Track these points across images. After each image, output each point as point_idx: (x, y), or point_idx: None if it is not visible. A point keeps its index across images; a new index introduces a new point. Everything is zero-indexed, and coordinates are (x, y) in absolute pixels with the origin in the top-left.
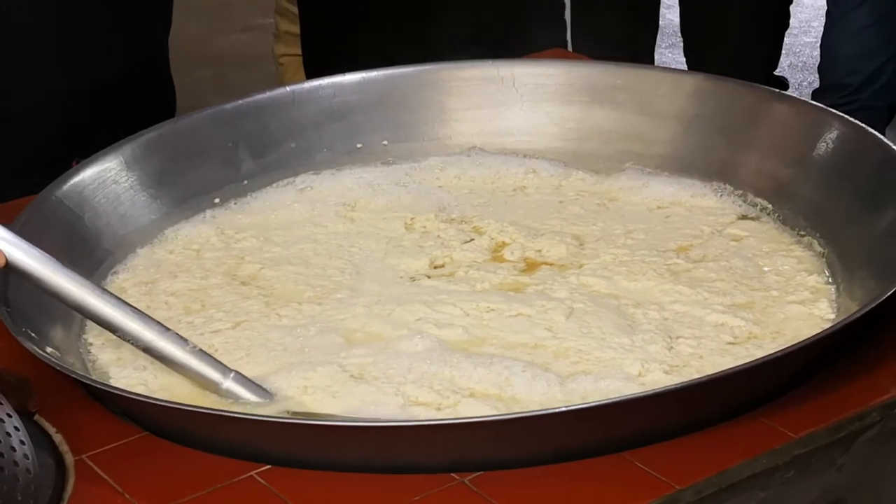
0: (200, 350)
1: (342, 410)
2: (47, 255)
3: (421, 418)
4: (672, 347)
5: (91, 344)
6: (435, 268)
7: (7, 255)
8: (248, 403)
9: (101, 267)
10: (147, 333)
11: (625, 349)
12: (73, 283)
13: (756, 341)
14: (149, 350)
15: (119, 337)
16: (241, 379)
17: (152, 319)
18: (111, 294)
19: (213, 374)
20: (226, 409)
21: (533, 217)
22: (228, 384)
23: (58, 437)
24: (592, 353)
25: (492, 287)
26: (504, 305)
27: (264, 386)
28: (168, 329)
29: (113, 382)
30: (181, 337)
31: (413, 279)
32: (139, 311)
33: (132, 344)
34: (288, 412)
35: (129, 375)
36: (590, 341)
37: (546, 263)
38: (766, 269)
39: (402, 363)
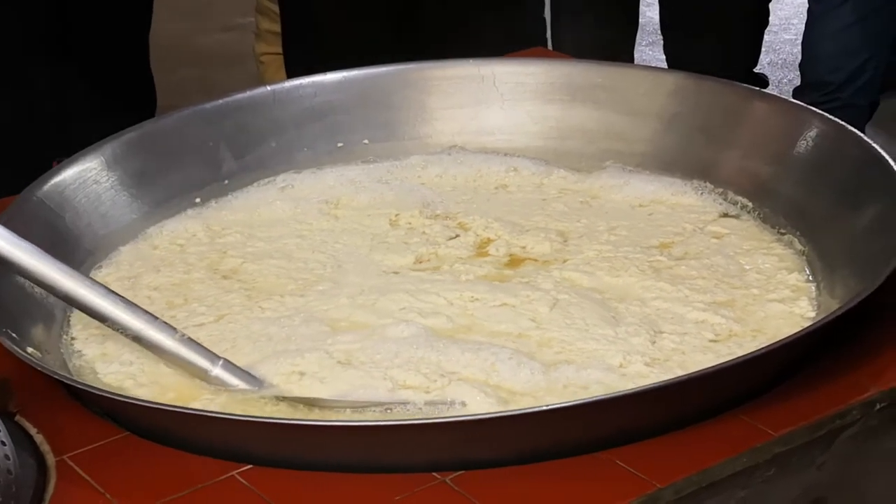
0: (189, 338)
1: (331, 395)
2: (35, 247)
3: (410, 401)
4: (655, 341)
5: (75, 339)
6: (419, 263)
7: None
8: (237, 390)
9: (82, 267)
10: (136, 323)
11: (608, 340)
12: (62, 274)
13: (737, 339)
14: (138, 339)
15: (108, 326)
16: (230, 366)
17: (141, 309)
18: (100, 284)
19: (201, 361)
20: (206, 409)
21: (517, 214)
22: (217, 371)
23: (39, 438)
24: (575, 344)
25: (476, 279)
26: (488, 295)
27: (253, 373)
28: (156, 318)
29: (101, 377)
30: (170, 326)
31: (396, 273)
32: (128, 300)
33: (121, 333)
34: (277, 398)
35: (116, 371)
36: (573, 332)
37: (531, 259)
38: (746, 267)
39: (388, 348)
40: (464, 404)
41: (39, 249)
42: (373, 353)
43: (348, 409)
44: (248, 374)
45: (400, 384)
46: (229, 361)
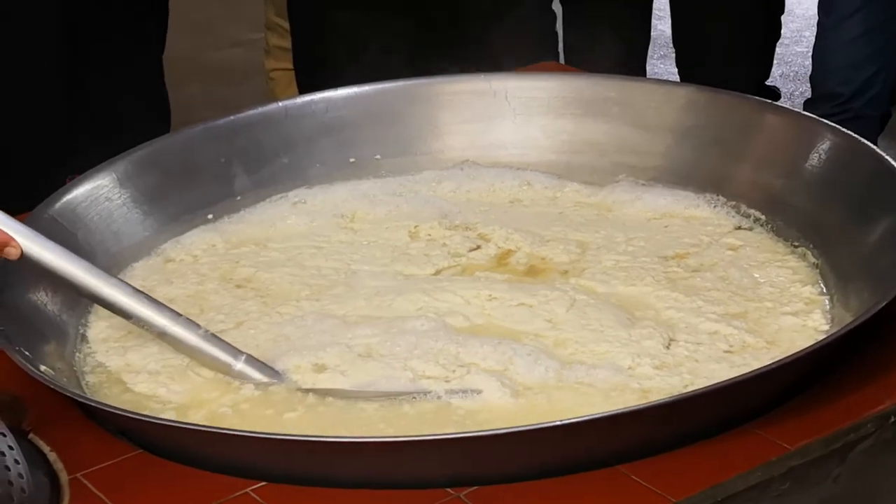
0: (212, 335)
1: (353, 387)
2: (61, 247)
3: (432, 390)
4: (669, 346)
5: (95, 352)
6: (440, 273)
7: (23, 247)
8: (261, 383)
9: None
10: (160, 319)
11: (621, 343)
12: (88, 273)
13: (752, 351)
14: (163, 335)
15: (133, 323)
16: (253, 361)
17: (165, 306)
18: (125, 283)
19: (224, 356)
20: (218, 426)
21: (536, 225)
22: (241, 366)
23: (52, 456)
24: (589, 346)
25: (494, 282)
26: (506, 294)
27: (275, 368)
28: (180, 315)
29: (131, 388)
30: (194, 323)
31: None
32: (152, 298)
33: (146, 329)
34: (301, 390)
35: (145, 380)
36: (587, 333)
37: (550, 269)
38: (760, 279)
39: (407, 340)
40: (481, 392)
41: (65, 249)
42: (392, 346)
43: (372, 399)
44: (272, 368)
45: (420, 374)
46: (252, 356)
